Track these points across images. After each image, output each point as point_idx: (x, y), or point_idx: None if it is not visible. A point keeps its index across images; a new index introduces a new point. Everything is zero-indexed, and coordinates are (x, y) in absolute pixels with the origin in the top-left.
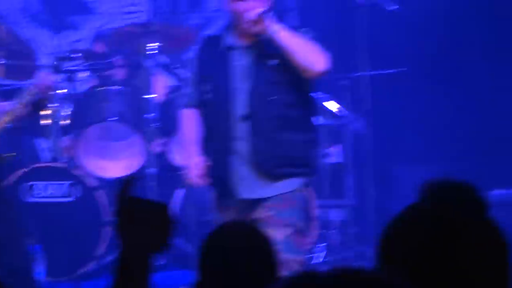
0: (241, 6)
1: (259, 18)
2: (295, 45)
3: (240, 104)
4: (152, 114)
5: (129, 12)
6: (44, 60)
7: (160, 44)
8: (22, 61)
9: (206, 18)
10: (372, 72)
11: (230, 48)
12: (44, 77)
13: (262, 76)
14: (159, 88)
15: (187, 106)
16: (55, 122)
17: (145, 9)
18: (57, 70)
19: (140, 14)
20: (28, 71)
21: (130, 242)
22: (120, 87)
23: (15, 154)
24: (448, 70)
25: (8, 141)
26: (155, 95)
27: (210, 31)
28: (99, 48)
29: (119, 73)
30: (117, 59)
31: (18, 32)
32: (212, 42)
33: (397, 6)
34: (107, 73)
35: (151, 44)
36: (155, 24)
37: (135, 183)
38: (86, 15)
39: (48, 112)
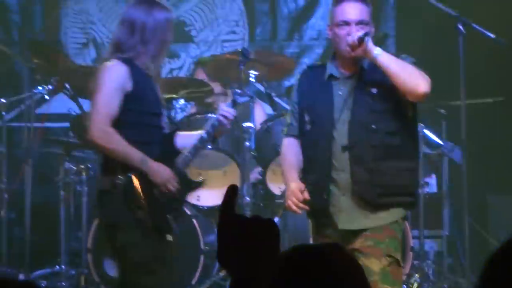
0: (342, 31)
1: (360, 41)
2: (397, 67)
3: (341, 134)
4: (249, 143)
5: (229, 40)
6: None
7: (258, 72)
8: None
9: (305, 46)
10: (469, 101)
11: (331, 77)
12: (228, 110)
13: (363, 105)
14: (257, 116)
15: (288, 135)
16: None
17: (244, 37)
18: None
19: (239, 42)
20: None
21: (240, 266)
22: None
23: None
24: None
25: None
26: (253, 124)
27: (309, 59)
28: (198, 75)
29: (217, 102)
30: (216, 87)
31: None
32: (313, 72)
33: (495, 36)
34: (206, 100)
35: (250, 72)
36: (254, 52)
37: (235, 200)
38: (186, 43)
39: None
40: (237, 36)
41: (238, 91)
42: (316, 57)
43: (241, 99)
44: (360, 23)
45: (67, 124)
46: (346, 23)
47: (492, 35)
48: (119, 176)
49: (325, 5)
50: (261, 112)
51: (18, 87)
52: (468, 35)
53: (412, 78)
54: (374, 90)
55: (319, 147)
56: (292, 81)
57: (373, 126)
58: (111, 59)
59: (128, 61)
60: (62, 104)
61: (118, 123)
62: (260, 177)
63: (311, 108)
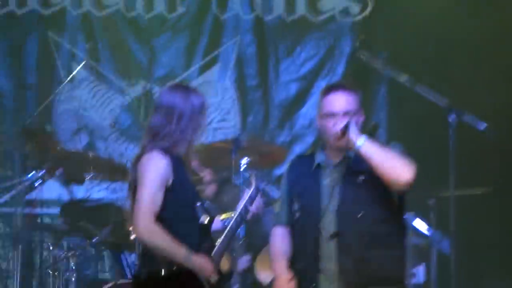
0: (329, 122)
1: (343, 132)
2: (379, 157)
3: (329, 223)
4: (238, 231)
5: (220, 128)
6: None
7: (249, 160)
8: (112, 175)
9: (296, 134)
10: (458, 193)
11: (319, 166)
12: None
13: (350, 193)
14: None
15: (277, 224)
16: None
17: (236, 124)
18: None
19: (231, 130)
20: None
21: None
22: (206, 203)
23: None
24: None
25: (93, 257)
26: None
27: (300, 148)
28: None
29: (208, 189)
30: (207, 174)
31: (108, 154)
32: (302, 161)
33: (486, 125)
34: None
35: (241, 160)
36: (245, 140)
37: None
38: None
39: None
40: (228, 124)
41: (258, 178)
42: (308, 145)
43: (262, 185)
44: (346, 113)
45: (57, 210)
46: (332, 114)
47: (481, 127)
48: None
49: (317, 94)
50: None
51: (9, 173)
52: (458, 124)
53: (394, 168)
54: (360, 179)
55: (307, 236)
56: (283, 169)
57: (359, 215)
58: (151, 150)
59: (167, 151)
60: (52, 190)
61: (159, 217)
62: (249, 264)
63: (300, 197)
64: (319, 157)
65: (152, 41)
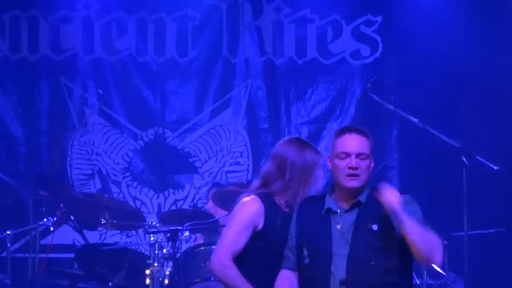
0: (343, 162)
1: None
2: (416, 231)
3: (339, 269)
4: None
5: (233, 171)
6: (147, 219)
7: None
8: (126, 220)
9: None
10: (471, 232)
11: (330, 211)
12: None
13: (362, 240)
14: None
15: (284, 267)
16: (156, 282)
17: (248, 167)
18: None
19: (244, 173)
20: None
21: None
22: None
23: None
24: None
25: None
26: None
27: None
28: (206, 207)
29: None
30: (223, 218)
31: (121, 198)
32: (311, 205)
33: (498, 167)
34: (211, 232)
35: None
36: None
37: None
38: (191, 174)
39: (149, 271)
40: (241, 167)
41: None
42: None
43: None
44: (360, 155)
45: (71, 255)
46: (347, 155)
47: (495, 167)
48: None
49: (328, 137)
50: None
51: (23, 218)
52: (470, 165)
53: (428, 248)
54: (374, 227)
55: (316, 282)
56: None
57: (372, 262)
58: (250, 194)
59: (266, 197)
60: (66, 235)
61: (242, 259)
62: None
63: (310, 243)
64: (329, 202)
65: (164, 85)
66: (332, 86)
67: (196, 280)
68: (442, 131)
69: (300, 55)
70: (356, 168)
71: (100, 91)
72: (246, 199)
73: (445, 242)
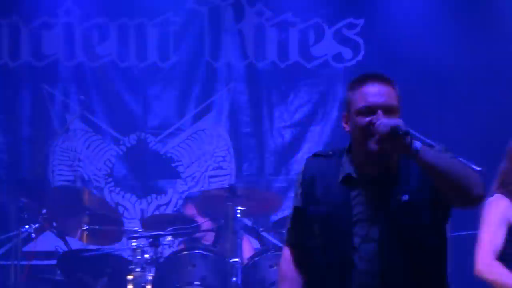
0: (366, 119)
1: (394, 133)
2: (445, 164)
3: (366, 258)
4: (236, 278)
5: (216, 176)
6: (130, 224)
7: (245, 208)
8: (107, 226)
9: (292, 180)
10: (455, 233)
11: (348, 179)
12: None
13: (395, 218)
14: (245, 251)
15: (288, 245)
16: (138, 287)
17: (231, 172)
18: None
19: (227, 177)
20: (115, 236)
21: None
22: (204, 251)
23: None
24: None
25: None
26: (240, 259)
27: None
28: (186, 211)
29: (207, 237)
30: (205, 223)
31: (104, 197)
32: (323, 165)
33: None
34: (194, 236)
35: (237, 207)
36: (240, 187)
37: None
38: (173, 179)
39: (131, 277)
40: (224, 172)
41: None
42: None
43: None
44: (388, 109)
45: (54, 262)
46: (372, 109)
47: (476, 168)
48: None
49: (312, 140)
50: (248, 246)
51: (5, 225)
52: None
53: (466, 179)
54: (406, 198)
55: (332, 275)
56: (280, 215)
57: (411, 246)
58: (493, 193)
59: (510, 194)
60: (49, 241)
61: (503, 256)
62: None
63: (323, 220)
64: (348, 167)
65: (146, 90)
66: (314, 89)
67: (178, 285)
68: (424, 132)
69: (282, 58)
70: None
71: (81, 97)
72: (490, 199)
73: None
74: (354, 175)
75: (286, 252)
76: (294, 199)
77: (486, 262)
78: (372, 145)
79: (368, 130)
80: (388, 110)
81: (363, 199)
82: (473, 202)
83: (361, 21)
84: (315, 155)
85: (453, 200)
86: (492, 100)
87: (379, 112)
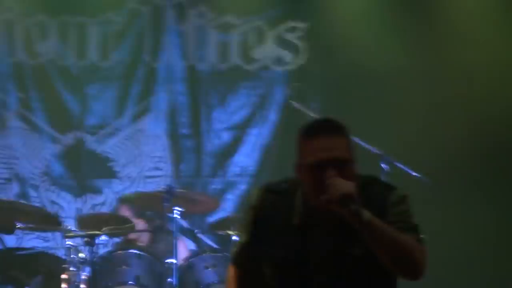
0: (318, 174)
1: (347, 202)
2: (391, 241)
3: None
4: (172, 279)
5: (152, 176)
6: (65, 223)
7: (182, 209)
8: (45, 225)
9: (229, 182)
10: None
11: (304, 222)
12: None
13: (343, 268)
14: (180, 252)
15: (232, 263)
16: (72, 286)
17: (168, 173)
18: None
19: (163, 178)
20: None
21: None
22: (139, 251)
23: None
24: None
25: None
26: (176, 260)
27: (233, 195)
28: (122, 211)
29: (142, 237)
30: (140, 223)
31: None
32: (277, 203)
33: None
34: (130, 236)
35: (174, 208)
36: (177, 188)
37: None
38: (109, 178)
39: (66, 276)
40: (161, 172)
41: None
42: (241, 192)
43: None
44: (340, 163)
45: None
46: (322, 164)
47: (413, 173)
48: None
49: (250, 142)
50: (183, 248)
51: None
52: (393, 174)
53: (407, 257)
54: (357, 252)
55: None
56: (216, 217)
57: None
58: None
59: None
60: None
61: None
62: None
63: (277, 264)
64: (302, 209)
65: (84, 89)
66: (253, 92)
67: (112, 285)
68: (365, 138)
69: (222, 60)
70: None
71: (20, 94)
72: None
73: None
74: (307, 219)
75: (231, 271)
76: (244, 234)
77: None
78: (323, 203)
79: (319, 187)
80: (340, 163)
81: (318, 246)
82: (413, 279)
83: (302, 25)
84: (269, 190)
85: (394, 272)
86: (431, 102)
87: (329, 170)
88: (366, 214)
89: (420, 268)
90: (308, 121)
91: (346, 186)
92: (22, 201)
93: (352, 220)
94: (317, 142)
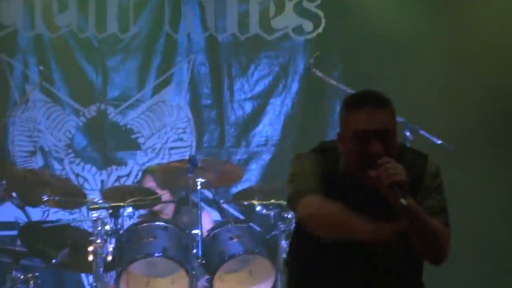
0: (362, 144)
1: (391, 189)
2: (425, 228)
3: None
4: (196, 250)
5: (176, 147)
6: (90, 196)
7: (206, 179)
8: (70, 198)
9: (252, 152)
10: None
11: (350, 177)
12: None
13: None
14: (205, 223)
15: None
16: (99, 258)
17: (191, 144)
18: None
19: (187, 149)
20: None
21: None
22: (165, 222)
23: None
24: None
25: (53, 276)
26: (200, 231)
27: (257, 165)
28: (146, 183)
29: (166, 209)
30: (164, 195)
31: (64, 175)
32: (332, 174)
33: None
34: (154, 208)
35: (198, 179)
36: (201, 159)
37: None
38: (134, 150)
39: (92, 248)
40: (184, 143)
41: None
42: (265, 162)
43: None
44: (384, 135)
45: (14, 232)
46: (367, 135)
47: (438, 141)
48: None
49: (272, 112)
50: (208, 219)
51: None
52: (414, 141)
53: (435, 245)
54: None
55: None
56: (240, 187)
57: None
58: None
59: None
60: (8, 212)
61: None
62: (207, 284)
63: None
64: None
65: (105, 61)
66: (275, 61)
67: (140, 256)
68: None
69: (242, 30)
70: (379, 156)
71: (41, 67)
72: None
73: None
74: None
75: (308, 199)
76: (305, 181)
77: None
78: (365, 178)
79: (363, 158)
80: (385, 135)
81: (365, 198)
82: (435, 264)
83: None
84: (321, 151)
85: (420, 255)
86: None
87: (375, 142)
88: (409, 201)
89: (444, 255)
90: (352, 93)
91: (400, 172)
92: (48, 173)
93: (394, 203)
94: (364, 113)
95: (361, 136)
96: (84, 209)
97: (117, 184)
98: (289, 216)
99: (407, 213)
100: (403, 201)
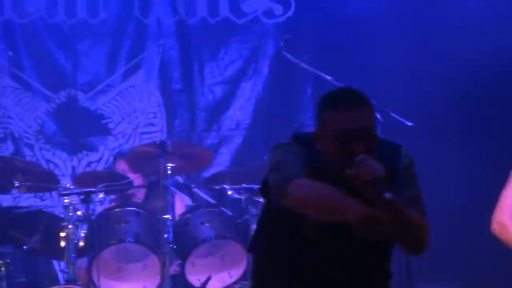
0: (341, 145)
1: (378, 184)
2: (405, 221)
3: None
4: (168, 235)
5: (147, 132)
6: (62, 181)
7: (177, 164)
8: (42, 183)
9: (223, 136)
10: None
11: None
12: None
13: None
14: (177, 208)
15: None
16: (70, 244)
17: (162, 128)
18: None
19: (158, 134)
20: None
21: None
22: (136, 208)
23: None
24: None
25: (25, 262)
26: (171, 216)
27: (228, 149)
28: (118, 168)
29: (138, 194)
30: (136, 179)
31: (35, 161)
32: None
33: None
34: (125, 193)
35: (168, 164)
36: (172, 144)
37: None
38: (104, 135)
39: (64, 234)
40: (155, 128)
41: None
42: (236, 146)
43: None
44: (365, 133)
45: None
46: (347, 134)
47: (409, 123)
48: None
49: (243, 96)
50: (180, 203)
51: None
52: (385, 124)
53: (414, 237)
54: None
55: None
56: (211, 171)
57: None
58: None
59: None
60: None
61: None
62: (179, 269)
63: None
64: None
65: (75, 47)
66: (245, 45)
67: (111, 242)
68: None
69: (212, 14)
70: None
71: (10, 53)
72: None
73: None
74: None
75: (296, 182)
76: (290, 168)
77: (501, 222)
78: (345, 176)
79: (343, 158)
80: (367, 135)
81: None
82: (415, 254)
83: None
84: (300, 142)
85: (398, 246)
86: (424, 54)
87: (356, 142)
88: (388, 194)
89: (424, 245)
90: (329, 91)
91: (377, 168)
92: (19, 158)
93: (374, 198)
94: (344, 112)
95: (342, 136)
96: (55, 195)
97: (88, 169)
98: (260, 200)
99: (389, 207)
100: (387, 195)
